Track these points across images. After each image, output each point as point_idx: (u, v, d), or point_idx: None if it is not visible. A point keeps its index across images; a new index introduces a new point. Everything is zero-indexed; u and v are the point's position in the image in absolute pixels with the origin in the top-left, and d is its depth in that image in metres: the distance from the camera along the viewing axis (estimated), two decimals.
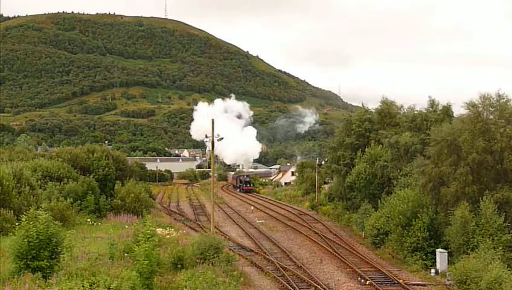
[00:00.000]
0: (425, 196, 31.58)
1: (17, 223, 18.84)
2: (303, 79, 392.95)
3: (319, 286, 24.51)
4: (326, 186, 66.94)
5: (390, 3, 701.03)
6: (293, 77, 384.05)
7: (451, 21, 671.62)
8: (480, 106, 29.46)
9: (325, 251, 34.61)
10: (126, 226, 34.80)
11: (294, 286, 24.61)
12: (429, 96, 49.43)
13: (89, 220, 37.19)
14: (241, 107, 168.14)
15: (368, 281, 25.66)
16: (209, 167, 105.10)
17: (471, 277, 22.76)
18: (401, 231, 31.59)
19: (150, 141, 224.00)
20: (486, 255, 23.78)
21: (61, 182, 41.30)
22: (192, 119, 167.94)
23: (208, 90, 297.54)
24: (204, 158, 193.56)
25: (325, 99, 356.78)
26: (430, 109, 42.32)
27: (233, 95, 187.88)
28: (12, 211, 28.24)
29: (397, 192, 34.90)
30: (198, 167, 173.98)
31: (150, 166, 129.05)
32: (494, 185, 28.49)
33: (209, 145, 43.97)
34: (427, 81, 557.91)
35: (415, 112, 44.02)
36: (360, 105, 58.02)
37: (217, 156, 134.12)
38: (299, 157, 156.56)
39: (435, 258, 28.41)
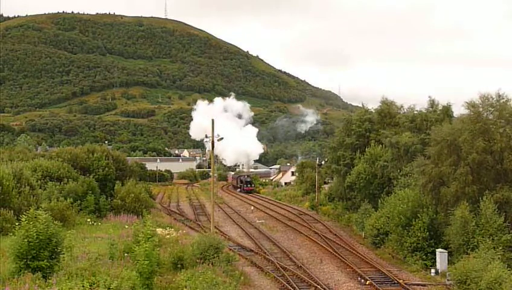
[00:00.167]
0: (425, 196, 31.58)
1: (17, 223, 18.82)
2: (303, 79, 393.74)
3: (319, 286, 24.51)
4: (326, 186, 66.93)
5: (390, 3, 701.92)
6: (293, 77, 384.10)
7: (451, 21, 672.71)
8: (480, 106, 29.47)
9: (325, 251, 34.61)
10: (126, 226, 34.80)
11: (294, 286, 24.60)
12: (429, 96, 49.40)
13: (89, 220, 37.18)
14: (241, 106, 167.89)
15: (368, 281, 25.66)
16: (209, 167, 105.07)
17: (471, 277, 22.77)
18: (401, 231, 31.58)
19: (150, 141, 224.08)
20: (486, 255, 23.78)
21: (61, 182, 41.30)
22: (192, 119, 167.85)
23: (208, 90, 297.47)
24: (204, 158, 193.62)
25: (325, 99, 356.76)
26: (430, 109, 42.30)
27: (233, 94, 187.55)
28: (12, 211, 28.24)
29: (397, 192, 34.88)
30: (198, 167, 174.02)
31: (150, 166, 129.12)
32: (494, 185, 28.49)
33: (209, 145, 43.94)
34: (427, 81, 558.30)
35: (415, 112, 44.00)
36: (360, 105, 58.07)
37: (217, 156, 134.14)
38: (300, 157, 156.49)
39: (435, 258, 28.40)
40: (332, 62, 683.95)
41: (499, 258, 23.54)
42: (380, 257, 32.91)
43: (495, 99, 29.32)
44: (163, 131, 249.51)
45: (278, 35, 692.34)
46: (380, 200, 38.26)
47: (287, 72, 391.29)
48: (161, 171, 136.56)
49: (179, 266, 24.18)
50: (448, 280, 25.01)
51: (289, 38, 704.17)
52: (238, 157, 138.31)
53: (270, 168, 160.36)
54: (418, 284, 25.46)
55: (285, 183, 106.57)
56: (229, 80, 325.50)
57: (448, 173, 29.30)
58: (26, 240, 16.79)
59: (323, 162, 67.06)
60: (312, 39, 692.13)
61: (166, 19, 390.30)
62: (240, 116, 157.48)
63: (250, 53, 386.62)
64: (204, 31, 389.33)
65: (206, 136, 36.12)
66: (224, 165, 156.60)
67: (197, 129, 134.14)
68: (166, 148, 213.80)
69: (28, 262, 16.69)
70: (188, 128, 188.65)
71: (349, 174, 45.35)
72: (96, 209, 41.41)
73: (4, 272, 16.70)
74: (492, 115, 29.52)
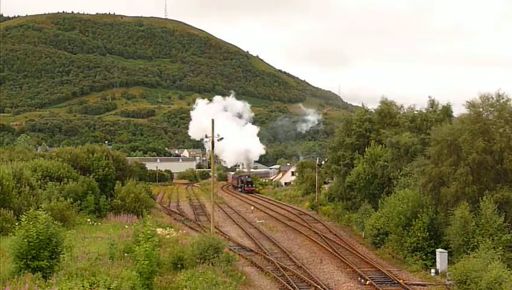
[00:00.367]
0: (425, 196, 31.58)
1: (17, 223, 18.83)
2: (303, 79, 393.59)
3: (319, 286, 24.51)
4: (326, 186, 66.94)
5: (390, 3, 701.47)
6: (293, 77, 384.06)
7: (451, 21, 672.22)
8: (480, 105, 29.48)
9: (325, 251, 34.61)
10: (126, 226, 34.81)
11: (294, 286, 24.60)
12: (429, 96, 49.56)
13: (89, 220, 37.18)
14: (242, 106, 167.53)
15: (368, 281, 25.66)
16: (209, 167, 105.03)
17: (471, 277, 22.77)
18: (401, 231, 31.58)
19: (150, 141, 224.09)
20: (486, 255, 23.79)
21: (61, 182, 41.31)
22: (191, 119, 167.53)
23: (208, 90, 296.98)
24: (204, 158, 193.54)
25: (325, 99, 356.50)
26: (430, 109, 42.33)
27: (232, 92, 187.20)
28: (12, 211, 28.26)
29: (397, 192, 34.88)
30: (198, 167, 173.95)
31: (150, 166, 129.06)
32: (494, 185, 28.50)
33: (208, 145, 43.85)
34: (427, 81, 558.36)
35: (415, 112, 44.03)
36: (360, 105, 57.99)
37: (217, 156, 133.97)
38: (301, 157, 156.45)
39: (435, 258, 28.41)
40: (332, 62, 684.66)
41: (499, 258, 23.55)
42: (380, 257, 32.91)
43: (495, 99, 29.35)
44: (163, 131, 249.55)
45: (278, 35, 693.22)
46: (380, 200, 38.25)
47: (287, 72, 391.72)
48: (161, 171, 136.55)
49: (179, 266, 24.19)
50: (448, 280, 25.02)
51: (289, 38, 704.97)
52: (238, 157, 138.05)
53: (270, 168, 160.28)
54: (418, 284, 25.46)
55: (285, 183, 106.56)
56: (229, 80, 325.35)
57: (448, 173, 29.30)
58: (26, 240, 16.80)
59: (323, 162, 67.05)
60: (312, 39, 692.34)
61: (166, 19, 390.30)
62: (240, 116, 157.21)
63: (250, 53, 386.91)
64: (204, 31, 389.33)
65: (206, 136, 36.07)
66: (225, 166, 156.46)
67: (197, 129, 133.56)
68: (166, 148, 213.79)
69: (28, 262, 16.69)
70: (188, 128, 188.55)
71: (349, 174, 45.34)
72: (96, 209, 41.41)
73: (4, 272, 16.70)
74: (492, 115, 29.55)
